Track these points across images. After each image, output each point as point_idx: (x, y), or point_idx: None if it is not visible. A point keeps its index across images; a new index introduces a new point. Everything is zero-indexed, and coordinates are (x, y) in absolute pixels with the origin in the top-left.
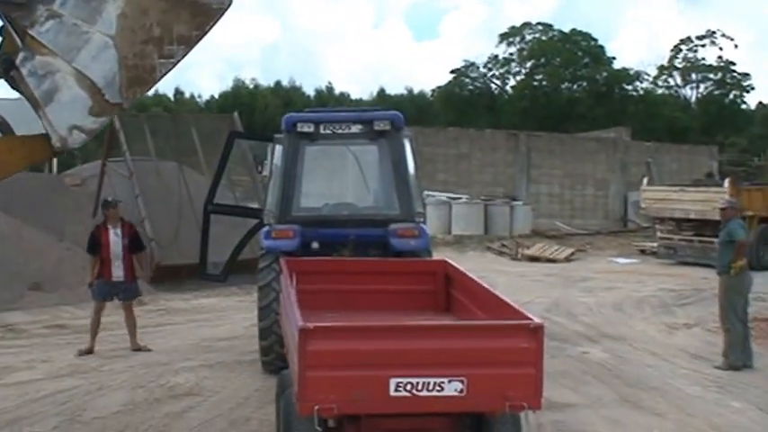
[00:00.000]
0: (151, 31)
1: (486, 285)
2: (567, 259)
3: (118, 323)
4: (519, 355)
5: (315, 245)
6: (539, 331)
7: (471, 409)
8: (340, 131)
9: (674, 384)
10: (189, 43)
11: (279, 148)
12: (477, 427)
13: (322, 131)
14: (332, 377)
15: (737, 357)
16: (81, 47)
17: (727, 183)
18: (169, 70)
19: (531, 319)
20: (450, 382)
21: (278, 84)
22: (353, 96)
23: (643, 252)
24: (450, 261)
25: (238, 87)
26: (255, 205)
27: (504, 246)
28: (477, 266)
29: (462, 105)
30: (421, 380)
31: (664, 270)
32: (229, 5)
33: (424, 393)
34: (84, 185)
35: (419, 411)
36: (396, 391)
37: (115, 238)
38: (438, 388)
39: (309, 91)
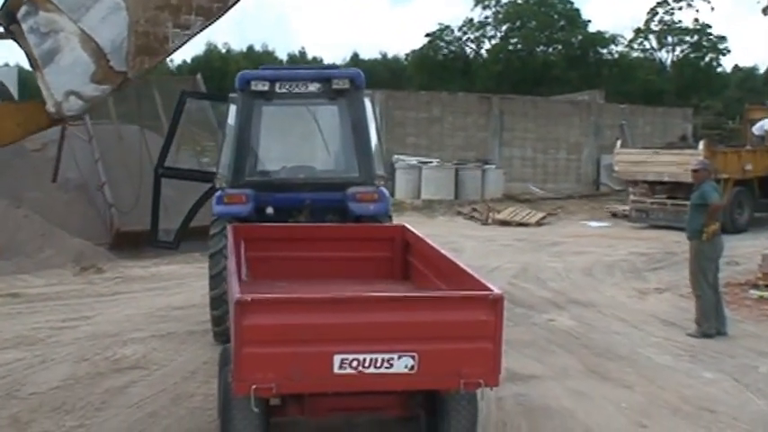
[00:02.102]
0: None
1: (444, 252)
2: (538, 223)
3: (72, 292)
4: (476, 329)
5: (269, 210)
6: (498, 303)
7: (423, 387)
8: (297, 90)
9: (644, 353)
10: (208, 15)
11: (233, 108)
12: (429, 405)
13: (277, 90)
14: (271, 354)
15: (711, 325)
16: (90, 6)
17: (701, 145)
18: (184, 43)
19: (490, 290)
20: (399, 358)
21: (250, 48)
22: (327, 61)
23: (614, 215)
24: (408, 226)
25: (210, 51)
26: None
27: (474, 210)
28: (446, 231)
29: (437, 69)
30: (368, 356)
31: (635, 234)
32: None
33: (372, 370)
34: (45, 150)
35: (366, 390)
36: (340, 368)
37: None
38: (387, 364)
39: (282, 55)
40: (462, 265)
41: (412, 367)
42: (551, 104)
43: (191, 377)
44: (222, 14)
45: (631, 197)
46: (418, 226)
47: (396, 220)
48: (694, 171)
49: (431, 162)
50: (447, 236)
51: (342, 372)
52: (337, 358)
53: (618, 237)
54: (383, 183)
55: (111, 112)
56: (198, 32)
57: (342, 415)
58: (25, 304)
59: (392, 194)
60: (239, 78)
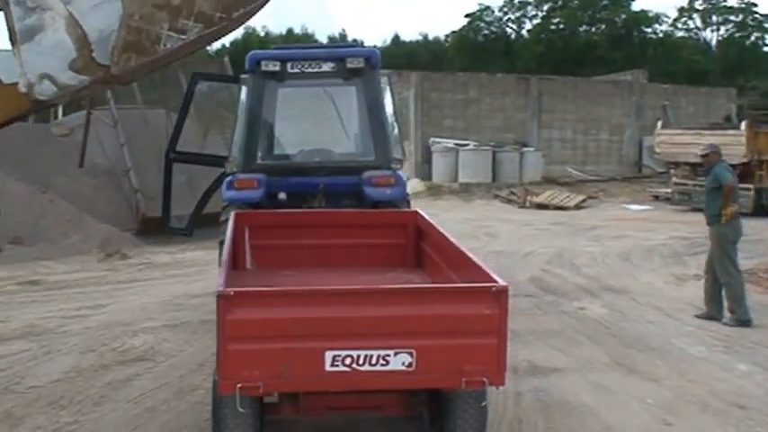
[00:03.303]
0: None
1: (453, 240)
2: (578, 207)
3: (92, 279)
4: (479, 324)
5: (282, 195)
6: (502, 295)
7: (421, 386)
8: (309, 70)
9: (676, 344)
10: (208, 23)
11: (245, 90)
12: (434, 404)
13: (289, 70)
14: (257, 350)
15: (745, 311)
16: None
17: (743, 125)
18: (178, 49)
19: (494, 281)
20: (396, 354)
21: (289, 31)
22: (367, 43)
23: (657, 198)
24: (420, 212)
25: (249, 35)
26: None
27: (512, 194)
28: (483, 215)
29: (477, 51)
30: (362, 352)
31: (677, 217)
32: (266, 2)
33: (366, 368)
34: (72, 135)
35: (360, 388)
36: (333, 365)
37: None
38: (382, 362)
39: (322, 38)
40: (469, 253)
41: (410, 364)
42: (592, 85)
43: (197, 370)
44: (227, 29)
45: (674, 179)
46: (455, 210)
47: (432, 205)
48: (704, 156)
49: (467, 144)
50: (483, 220)
51: (334, 369)
52: (329, 355)
53: (659, 220)
54: (400, 166)
55: (136, 96)
56: (198, 43)
57: (340, 414)
58: (42, 292)
59: (429, 178)
60: (249, 58)
